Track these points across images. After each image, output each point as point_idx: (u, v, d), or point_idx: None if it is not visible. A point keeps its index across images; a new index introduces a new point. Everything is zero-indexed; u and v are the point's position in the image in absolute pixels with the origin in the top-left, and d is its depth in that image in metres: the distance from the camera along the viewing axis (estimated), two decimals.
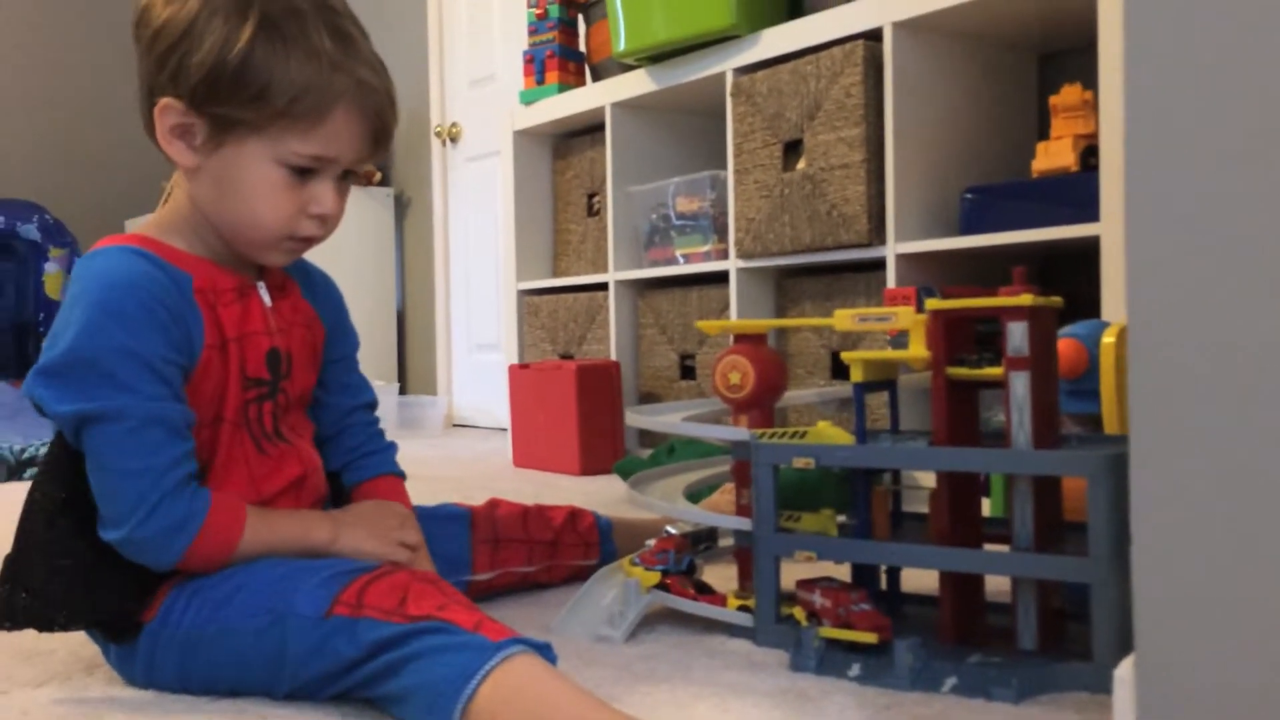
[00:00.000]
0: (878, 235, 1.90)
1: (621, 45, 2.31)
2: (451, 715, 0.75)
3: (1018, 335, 0.91)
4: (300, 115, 0.89)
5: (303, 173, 0.92)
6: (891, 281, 1.88)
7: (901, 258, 1.88)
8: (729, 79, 2.17)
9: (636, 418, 1.17)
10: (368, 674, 0.81)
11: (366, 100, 0.92)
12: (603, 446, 2.34)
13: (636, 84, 2.39)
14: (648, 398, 2.48)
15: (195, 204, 0.94)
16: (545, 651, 0.79)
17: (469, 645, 0.77)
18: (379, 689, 0.81)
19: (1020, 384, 0.91)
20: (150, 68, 0.91)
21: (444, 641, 0.78)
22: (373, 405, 1.14)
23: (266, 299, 0.99)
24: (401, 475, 1.13)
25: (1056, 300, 0.95)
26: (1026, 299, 0.90)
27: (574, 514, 1.27)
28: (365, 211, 3.79)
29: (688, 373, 2.39)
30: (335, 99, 0.90)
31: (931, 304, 0.95)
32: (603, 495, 1.93)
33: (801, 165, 2.03)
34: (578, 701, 0.75)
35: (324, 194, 0.94)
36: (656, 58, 2.31)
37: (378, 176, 3.84)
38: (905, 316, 0.97)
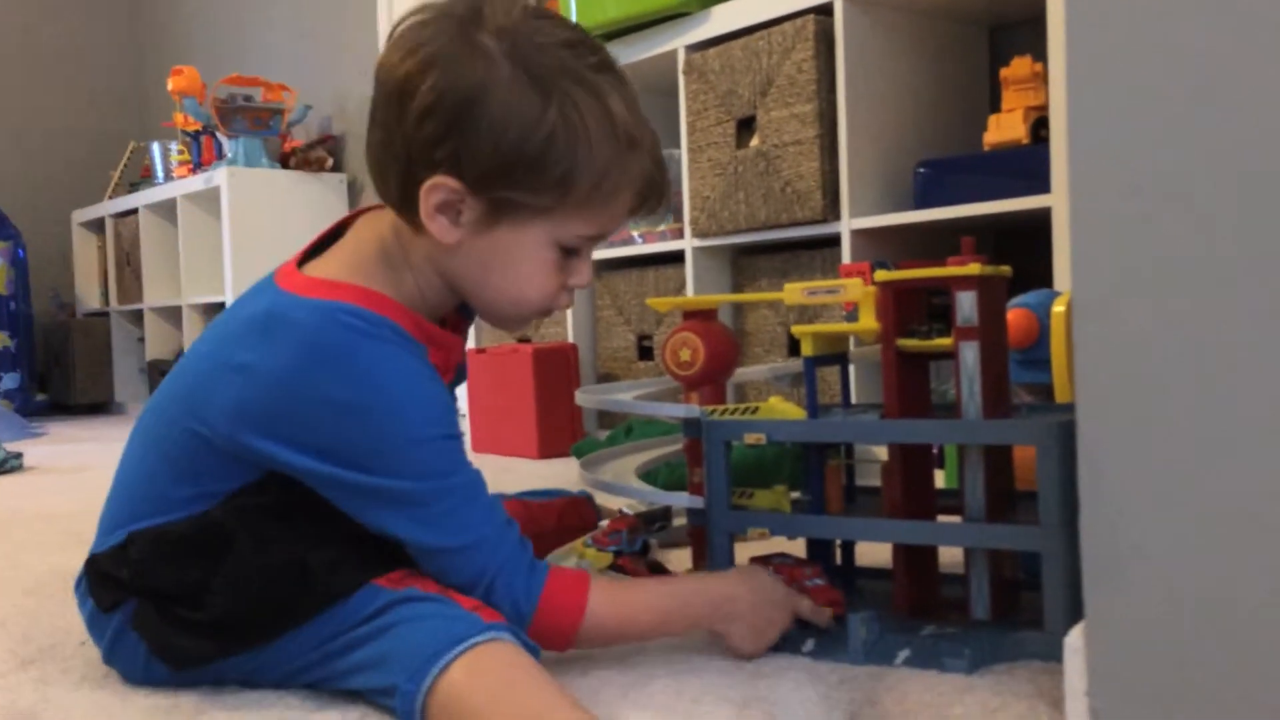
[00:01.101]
0: (832, 211, 1.89)
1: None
2: (425, 677, 0.74)
3: (966, 305, 0.90)
4: (596, 200, 0.82)
5: (570, 251, 0.86)
6: (847, 257, 1.88)
7: (856, 233, 1.87)
8: (681, 56, 2.15)
9: (586, 397, 1.15)
10: (357, 637, 0.80)
11: (653, 175, 0.86)
12: (561, 429, 2.33)
13: None
14: (606, 379, 2.46)
15: (442, 274, 0.87)
16: (534, 653, 0.79)
17: (461, 618, 0.77)
18: (360, 653, 0.80)
19: (970, 354, 0.90)
20: (418, 142, 0.80)
21: (437, 610, 0.78)
22: None
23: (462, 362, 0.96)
24: None
25: (1005, 270, 0.95)
26: (974, 268, 0.89)
27: (572, 506, 1.25)
28: (318, 199, 3.73)
29: (646, 353, 2.38)
30: (631, 181, 0.84)
31: (880, 275, 0.95)
32: (561, 478, 1.91)
33: (755, 142, 2.02)
34: (547, 694, 0.74)
35: (585, 268, 0.88)
36: (608, 36, 2.29)
37: (329, 163, 3.78)
38: (854, 289, 0.96)
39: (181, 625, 0.83)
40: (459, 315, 0.95)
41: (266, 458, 0.82)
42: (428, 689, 0.74)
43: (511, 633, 0.78)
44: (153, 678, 0.86)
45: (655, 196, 0.88)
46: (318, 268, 0.87)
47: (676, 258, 2.25)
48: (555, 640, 0.84)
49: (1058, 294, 1.22)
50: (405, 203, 0.83)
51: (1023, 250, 1.78)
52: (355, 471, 0.80)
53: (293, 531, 0.83)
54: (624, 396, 1.12)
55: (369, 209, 0.93)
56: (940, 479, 1.26)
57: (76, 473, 2.49)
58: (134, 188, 4.36)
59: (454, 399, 0.93)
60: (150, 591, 0.84)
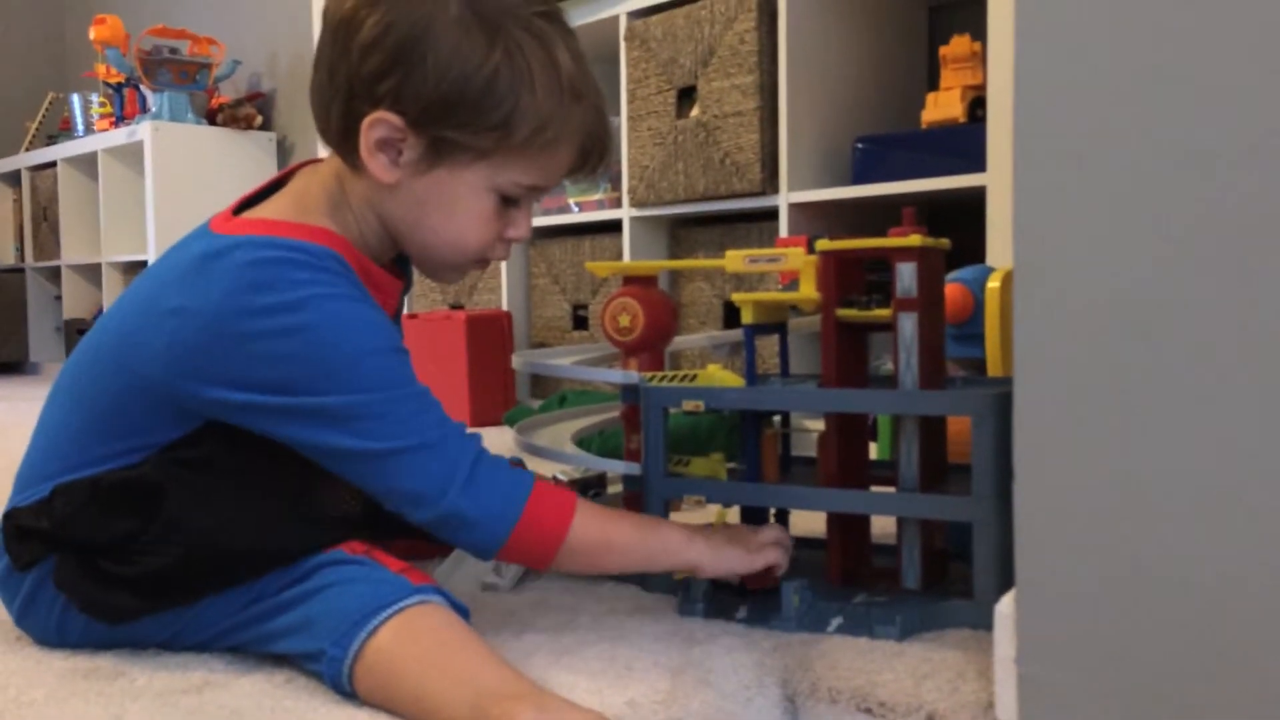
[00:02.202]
0: (770, 184, 1.89)
1: None
2: (352, 641, 0.73)
3: (907, 276, 0.90)
4: (536, 147, 0.82)
5: (509, 200, 0.85)
6: (784, 230, 1.88)
7: (794, 207, 1.88)
8: (623, 23, 2.13)
9: (524, 361, 1.14)
10: (283, 601, 0.79)
11: (596, 130, 0.86)
12: (493, 398, 2.30)
13: None
14: (540, 348, 2.44)
15: (380, 215, 0.85)
16: (464, 614, 0.78)
17: (389, 581, 0.76)
18: (286, 617, 0.78)
19: (909, 325, 0.90)
20: (362, 76, 0.80)
21: (364, 573, 0.77)
22: None
23: (403, 307, 0.93)
24: None
25: (944, 242, 0.95)
26: (915, 240, 0.90)
27: None
28: (247, 157, 3.64)
29: (580, 323, 2.37)
30: (573, 132, 0.83)
31: (822, 244, 0.94)
32: (493, 447, 1.89)
33: (695, 112, 2.01)
34: (478, 657, 0.73)
35: (523, 219, 0.87)
36: None
37: (258, 120, 3.68)
38: (795, 257, 0.96)
39: (107, 580, 0.80)
40: (395, 267, 0.93)
41: (205, 403, 0.79)
42: (355, 653, 0.73)
43: (441, 595, 0.77)
44: (67, 639, 0.84)
45: (597, 154, 0.87)
46: (256, 213, 0.84)
47: (613, 227, 2.23)
48: (538, 550, 0.81)
49: (992, 269, 1.24)
50: (345, 140, 0.82)
51: (957, 227, 1.80)
52: (303, 396, 0.77)
53: (227, 490, 0.80)
54: (562, 361, 1.11)
55: (309, 162, 0.91)
56: (873, 452, 1.27)
57: None
58: (52, 140, 4.21)
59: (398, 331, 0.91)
60: (75, 545, 0.80)
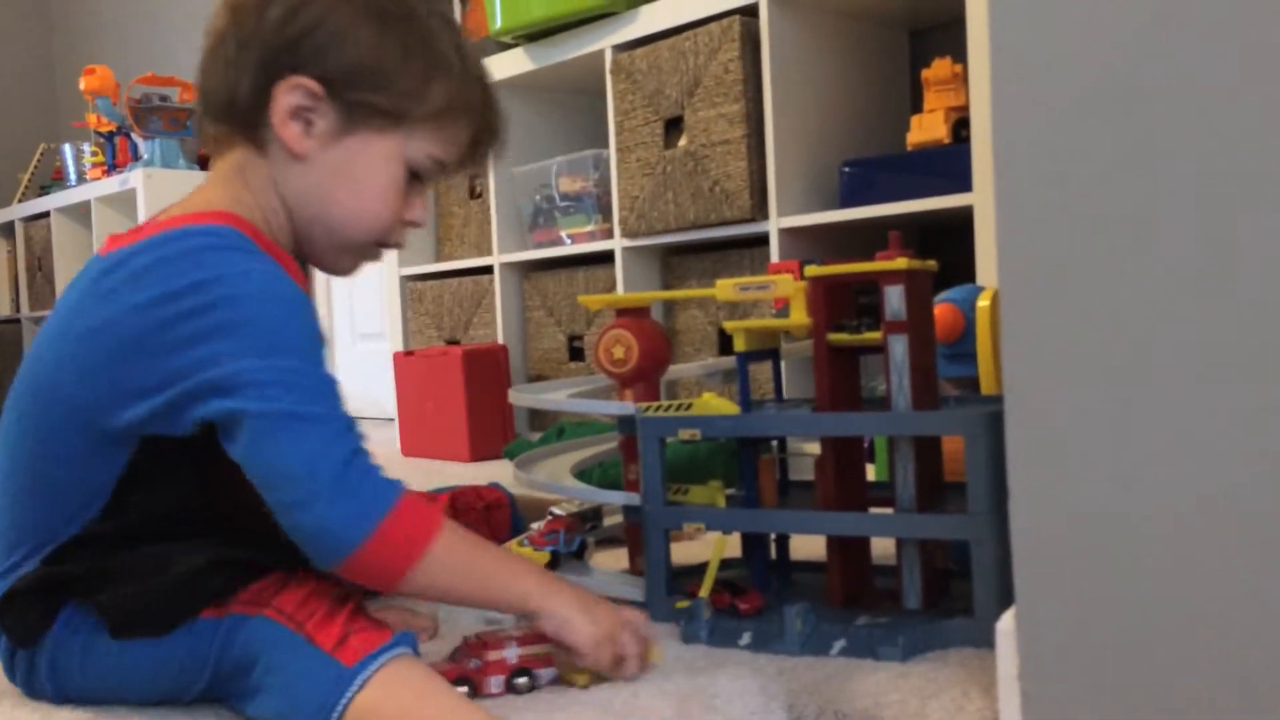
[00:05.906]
0: (760, 210, 1.91)
1: (498, 23, 2.27)
2: None
3: (895, 299, 0.92)
4: (446, 118, 0.87)
5: (412, 178, 0.89)
6: (775, 256, 1.90)
7: (784, 232, 1.89)
8: (608, 56, 2.15)
9: (520, 396, 1.15)
10: (238, 686, 0.77)
11: (493, 111, 0.92)
12: (492, 431, 2.31)
13: (515, 63, 2.35)
14: (537, 380, 2.45)
15: (285, 195, 0.86)
16: (407, 640, 0.75)
17: (324, 675, 0.72)
18: (248, 705, 0.77)
19: (899, 347, 0.91)
20: (281, 41, 0.83)
21: (301, 666, 0.73)
22: None
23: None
24: None
25: (931, 264, 0.96)
26: (902, 263, 0.91)
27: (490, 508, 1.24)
28: None
29: (576, 354, 2.38)
30: (475, 110, 0.89)
31: (811, 270, 0.96)
32: (493, 480, 1.90)
33: (683, 142, 2.02)
34: (447, 713, 0.71)
35: (420, 203, 0.92)
36: (534, 36, 2.28)
37: None
38: (785, 284, 0.97)
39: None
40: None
41: (125, 428, 0.78)
42: None
43: (384, 652, 0.73)
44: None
45: (491, 133, 0.92)
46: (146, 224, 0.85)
47: (606, 258, 2.24)
48: (391, 564, 0.75)
49: (981, 289, 1.25)
50: (254, 112, 0.84)
51: (946, 247, 1.81)
52: (224, 365, 0.75)
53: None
54: (558, 395, 1.12)
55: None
56: (871, 473, 1.28)
57: None
58: (45, 190, 4.23)
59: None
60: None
